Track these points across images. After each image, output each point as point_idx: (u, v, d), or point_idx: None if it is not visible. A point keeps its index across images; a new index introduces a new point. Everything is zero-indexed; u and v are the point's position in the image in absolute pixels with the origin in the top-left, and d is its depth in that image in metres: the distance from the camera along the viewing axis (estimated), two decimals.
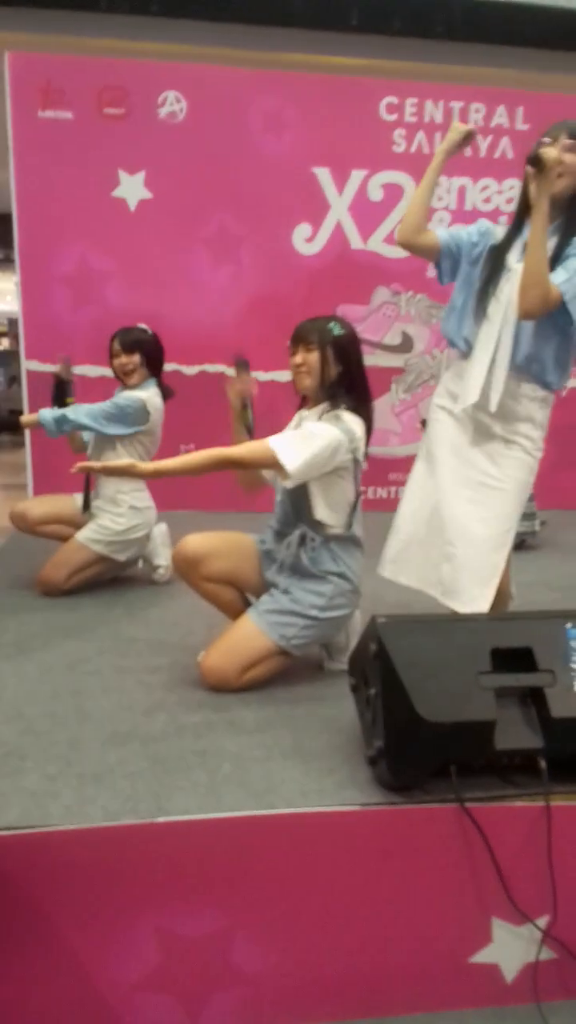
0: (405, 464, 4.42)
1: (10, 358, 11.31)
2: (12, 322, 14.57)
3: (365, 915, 1.59)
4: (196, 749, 1.85)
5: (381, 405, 4.37)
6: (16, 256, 4.01)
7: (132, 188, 3.98)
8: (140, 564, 3.12)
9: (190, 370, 4.22)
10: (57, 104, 3.86)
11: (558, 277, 2.02)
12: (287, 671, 2.25)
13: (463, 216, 4.15)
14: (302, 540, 2.18)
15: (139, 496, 3.02)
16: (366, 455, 2.21)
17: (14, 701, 2.08)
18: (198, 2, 5.42)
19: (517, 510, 2.21)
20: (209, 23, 5.31)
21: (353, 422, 2.13)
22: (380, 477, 4.42)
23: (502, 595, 2.29)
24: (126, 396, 2.89)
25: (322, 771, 1.76)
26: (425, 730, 1.55)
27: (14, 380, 10.82)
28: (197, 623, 2.62)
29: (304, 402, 2.27)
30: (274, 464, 2.02)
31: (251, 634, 2.15)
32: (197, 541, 2.20)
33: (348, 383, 2.18)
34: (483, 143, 4.08)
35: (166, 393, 3.04)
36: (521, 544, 3.72)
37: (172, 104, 3.95)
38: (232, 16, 5.37)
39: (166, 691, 2.16)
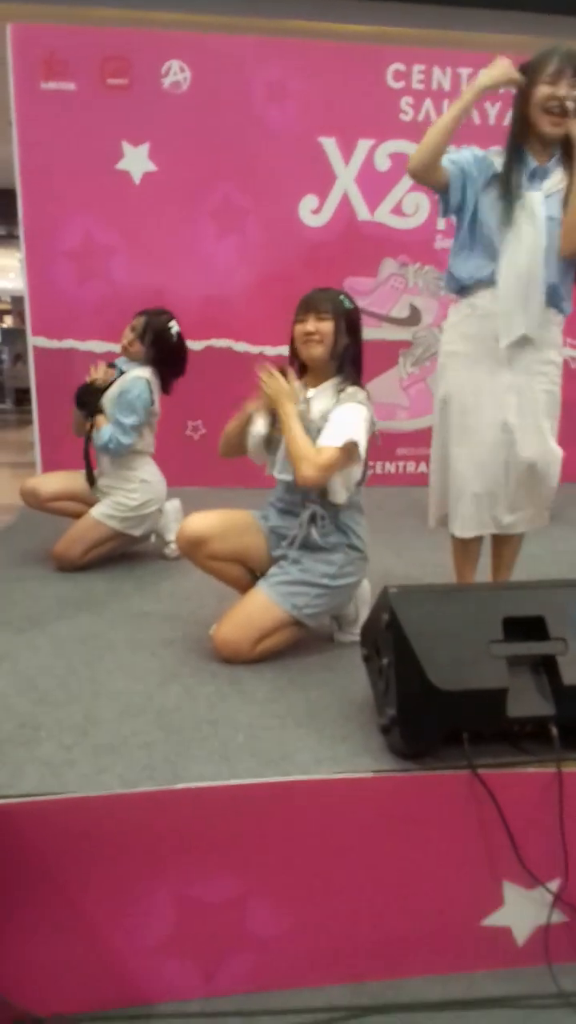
0: (413, 439, 4.45)
1: (14, 336, 11.25)
2: (15, 299, 14.48)
3: (378, 879, 1.61)
4: (210, 719, 1.87)
5: (389, 379, 4.35)
6: (21, 231, 3.99)
7: (136, 160, 3.94)
8: (152, 538, 3.13)
9: (197, 345, 4.19)
10: (60, 75, 3.81)
11: None
12: (299, 643, 2.27)
13: None
14: (312, 518, 2.18)
15: (148, 470, 3.02)
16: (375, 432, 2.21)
17: (28, 674, 2.10)
18: None
19: (554, 442, 2.28)
20: None
21: (368, 399, 2.13)
22: (388, 452, 4.40)
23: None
24: (129, 385, 2.88)
25: (335, 739, 1.77)
26: (437, 698, 1.57)
27: (19, 358, 10.78)
28: (208, 596, 2.64)
29: (302, 372, 2.23)
30: (350, 460, 2.06)
31: (263, 605, 2.16)
32: (200, 521, 2.20)
33: (354, 356, 2.18)
34: (491, 110, 4.01)
35: (165, 387, 3.03)
36: None
37: (176, 74, 3.89)
38: None
39: (179, 663, 2.18)
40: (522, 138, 2.11)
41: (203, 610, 2.53)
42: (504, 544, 2.44)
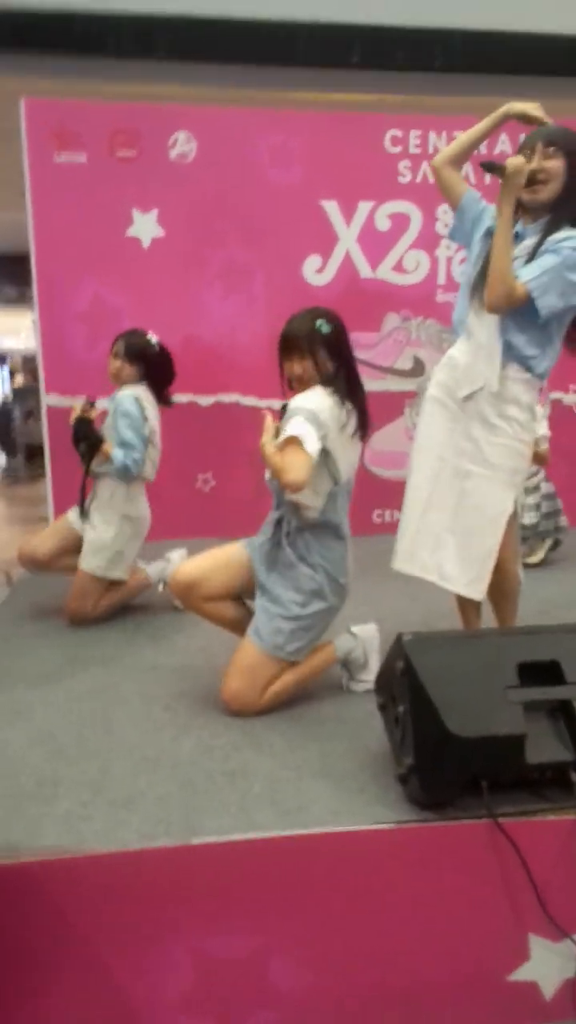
0: None
1: (26, 394, 11.44)
2: (27, 359, 14.80)
3: (401, 934, 1.58)
4: (225, 771, 1.87)
5: (396, 428, 4.41)
6: (35, 294, 4.11)
7: (145, 226, 4.08)
8: (160, 588, 3.14)
9: (205, 400, 4.28)
10: (72, 147, 3.98)
11: (529, 273, 2.09)
12: (311, 694, 2.27)
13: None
14: (278, 522, 2.22)
15: (133, 506, 3.00)
16: (362, 435, 2.26)
17: (45, 729, 2.10)
18: (204, 45, 5.59)
19: (508, 494, 2.26)
20: (215, 65, 5.46)
21: (323, 402, 2.12)
22: (396, 500, 4.41)
23: (510, 577, 2.38)
24: (118, 401, 2.92)
25: (352, 790, 1.76)
26: (455, 745, 1.56)
27: (30, 415, 10.95)
28: (220, 647, 2.64)
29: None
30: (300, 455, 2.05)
31: (252, 654, 2.17)
32: (188, 566, 2.24)
33: (346, 374, 2.22)
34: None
35: (165, 401, 3.09)
36: (556, 545, 3.74)
37: (182, 144, 4.06)
38: (237, 57, 5.52)
39: (192, 715, 2.18)
40: (517, 207, 2.18)
41: (215, 661, 2.53)
42: (497, 598, 2.44)
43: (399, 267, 4.26)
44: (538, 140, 2.12)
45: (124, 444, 2.87)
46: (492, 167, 2.07)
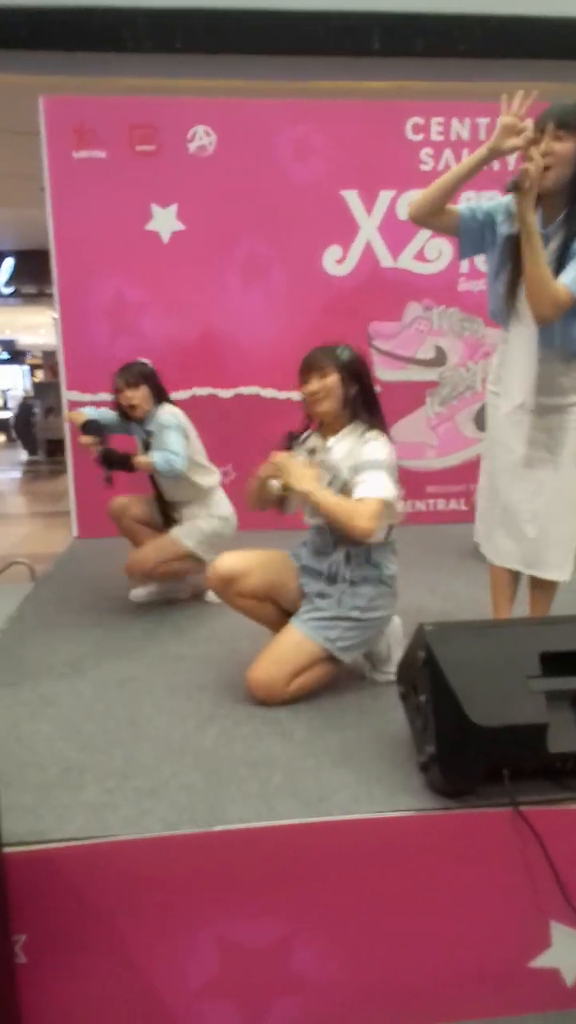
0: (442, 477, 4.48)
1: (46, 389, 11.56)
2: (47, 354, 14.91)
3: (423, 921, 1.59)
4: (248, 760, 1.88)
5: (416, 418, 4.39)
6: (55, 290, 4.15)
7: (165, 221, 4.10)
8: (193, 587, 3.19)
9: (226, 393, 4.30)
10: (91, 144, 4.00)
11: (567, 276, 2.06)
12: (333, 684, 2.27)
13: None
14: (347, 558, 2.21)
15: (223, 505, 3.15)
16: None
17: (71, 719, 2.13)
18: (220, 37, 5.58)
19: None
20: (233, 56, 5.46)
21: (387, 442, 2.17)
22: (419, 490, 4.43)
23: None
24: (160, 420, 2.98)
25: (372, 778, 1.77)
26: (476, 734, 1.57)
27: (50, 411, 11.07)
28: (243, 640, 2.66)
29: (317, 426, 2.27)
30: (384, 512, 2.08)
31: (296, 641, 2.18)
32: (230, 558, 2.24)
33: (364, 400, 2.22)
34: (511, 157, 4.11)
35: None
36: None
37: (201, 138, 4.07)
38: (255, 48, 5.51)
39: (215, 705, 2.20)
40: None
41: (238, 654, 2.56)
42: (538, 586, 2.44)
43: (420, 256, 4.24)
44: (549, 120, 2.04)
45: (171, 452, 2.91)
46: (516, 186, 1.98)
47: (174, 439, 2.93)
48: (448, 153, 4.13)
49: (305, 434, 2.32)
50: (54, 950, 1.52)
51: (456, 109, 4.13)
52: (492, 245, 2.25)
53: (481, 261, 2.34)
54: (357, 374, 2.21)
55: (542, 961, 1.61)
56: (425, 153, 4.14)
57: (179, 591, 3.18)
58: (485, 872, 1.59)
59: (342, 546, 2.21)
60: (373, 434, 2.17)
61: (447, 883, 1.58)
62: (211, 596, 3.13)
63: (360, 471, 2.10)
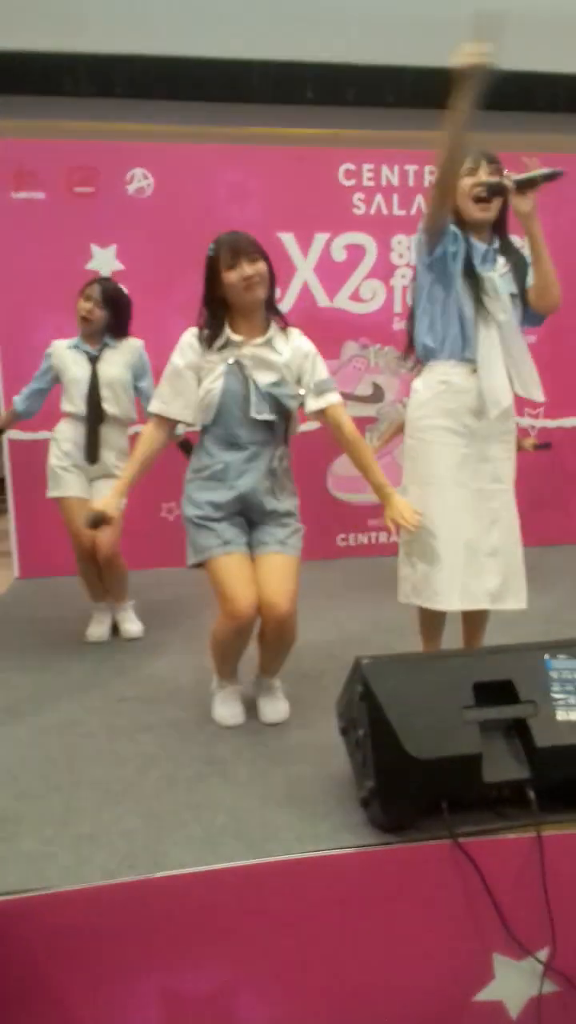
0: (383, 510, 4.53)
1: None
2: None
3: (367, 958, 1.59)
4: (190, 803, 1.87)
5: None
6: None
7: (104, 261, 4.12)
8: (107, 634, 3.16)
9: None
10: (30, 186, 4.02)
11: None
12: (280, 722, 2.28)
13: None
14: (270, 458, 2.26)
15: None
16: None
17: (7, 766, 2.08)
18: (160, 82, 5.71)
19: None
20: (172, 102, 5.58)
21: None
22: (360, 524, 4.48)
23: None
24: (143, 354, 3.17)
25: (317, 816, 1.78)
26: (414, 767, 1.59)
27: None
28: (186, 678, 2.64)
29: (220, 323, 2.24)
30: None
31: (288, 563, 2.24)
32: (247, 599, 2.14)
33: (272, 300, 2.27)
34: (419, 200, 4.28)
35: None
36: None
37: (140, 180, 4.13)
38: (193, 95, 5.65)
39: (158, 747, 2.17)
40: (462, 228, 2.26)
41: (181, 693, 2.54)
42: (475, 619, 2.49)
43: (356, 296, 4.35)
44: (480, 158, 2.21)
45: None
46: (498, 187, 2.18)
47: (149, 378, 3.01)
48: (379, 198, 4.28)
49: (206, 332, 2.24)
50: None
51: (386, 156, 4.28)
52: (447, 267, 2.25)
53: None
54: (272, 269, 2.22)
55: (486, 994, 1.62)
56: (357, 198, 4.27)
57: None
58: (427, 906, 1.59)
59: (278, 445, 2.29)
60: (297, 331, 2.32)
61: (389, 920, 1.58)
62: (129, 632, 3.12)
63: (323, 391, 2.27)
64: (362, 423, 4.44)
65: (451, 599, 2.29)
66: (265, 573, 2.20)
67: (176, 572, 3.12)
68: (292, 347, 2.27)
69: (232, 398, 2.19)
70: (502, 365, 2.27)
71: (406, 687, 1.66)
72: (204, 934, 1.53)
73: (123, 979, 1.52)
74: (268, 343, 2.23)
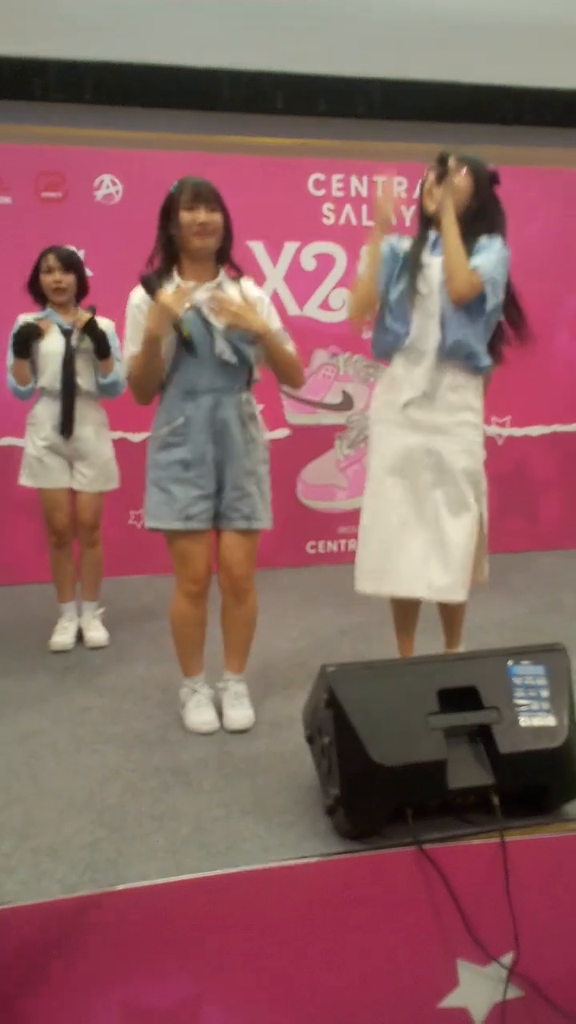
0: (352, 518, 4.49)
1: None
2: None
3: (331, 967, 1.57)
4: (153, 814, 1.84)
5: (326, 461, 4.47)
6: None
7: None
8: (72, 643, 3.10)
9: (135, 437, 4.27)
10: None
11: (478, 259, 2.23)
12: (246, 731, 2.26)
13: None
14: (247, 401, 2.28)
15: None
16: None
17: None
18: (130, 89, 5.69)
19: (471, 498, 2.33)
20: (141, 109, 5.57)
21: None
22: (330, 531, 4.48)
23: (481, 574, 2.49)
24: (109, 329, 3.04)
25: (282, 825, 1.76)
26: (379, 774, 1.58)
27: None
28: (151, 688, 2.62)
29: (171, 267, 2.28)
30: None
31: (254, 539, 2.28)
32: (199, 568, 2.25)
33: (226, 250, 2.28)
34: (407, 212, 4.30)
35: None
36: None
37: (108, 187, 4.11)
38: (163, 102, 5.64)
39: (121, 758, 2.14)
40: (430, 224, 2.34)
41: (145, 703, 2.51)
42: (443, 608, 2.50)
43: (325, 305, 4.36)
44: (435, 164, 2.27)
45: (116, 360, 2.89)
46: (443, 161, 2.25)
47: (117, 348, 2.90)
48: (348, 208, 4.31)
49: (155, 276, 2.25)
50: None
51: (355, 167, 4.32)
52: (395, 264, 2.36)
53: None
54: (229, 219, 2.24)
55: (450, 1001, 1.61)
56: (327, 208, 4.30)
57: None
58: (392, 913, 1.59)
59: (241, 391, 2.27)
60: (250, 282, 2.32)
61: (354, 928, 1.57)
62: (93, 640, 3.08)
63: (262, 307, 2.27)
64: (332, 431, 4.46)
65: (368, 582, 2.39)
66: (226, 547, 2.26)
67: (143, 580, 3.10)
68: (244, 295, 2.27)
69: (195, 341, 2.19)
70: (418, 352, 2.30)
71: (371, 694, 1.66)
72: (168, 947, 1.51)
73: (85, 994, 1.49)
74: (218, 288, 2.24)
